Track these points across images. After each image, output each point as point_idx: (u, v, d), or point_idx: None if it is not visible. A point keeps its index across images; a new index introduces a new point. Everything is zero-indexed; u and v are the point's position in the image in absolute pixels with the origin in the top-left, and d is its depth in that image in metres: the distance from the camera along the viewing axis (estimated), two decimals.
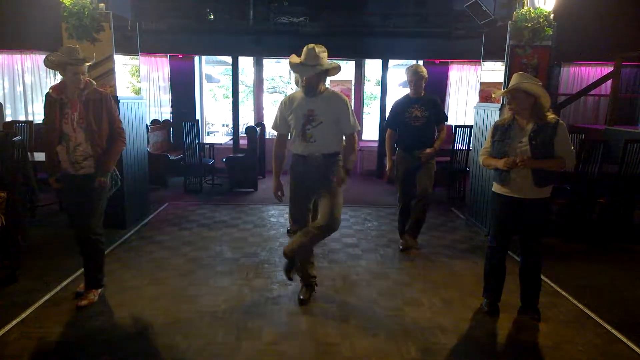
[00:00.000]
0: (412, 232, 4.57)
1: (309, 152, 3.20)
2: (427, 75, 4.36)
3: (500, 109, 4.91)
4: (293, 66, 3.16)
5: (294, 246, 3.22)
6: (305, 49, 3.06)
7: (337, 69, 3.16)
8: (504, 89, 5.16)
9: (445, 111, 4.51)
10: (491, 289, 3.38)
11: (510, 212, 3.16)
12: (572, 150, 3.05)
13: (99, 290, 3.48)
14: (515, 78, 3.02)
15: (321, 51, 3.05)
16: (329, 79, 3.40)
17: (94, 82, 3.29)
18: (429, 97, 4.46)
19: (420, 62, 8.82)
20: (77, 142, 3.20)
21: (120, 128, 3.38)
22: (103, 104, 3.25)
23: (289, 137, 3.36)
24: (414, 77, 4.30)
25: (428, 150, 4.33)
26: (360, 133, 9.18)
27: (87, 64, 3.23)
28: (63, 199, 3.63)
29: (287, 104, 3.24)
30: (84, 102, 3.19)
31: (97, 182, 3.25)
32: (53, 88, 3.23)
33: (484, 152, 3.26)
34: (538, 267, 3.20)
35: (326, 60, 3.10)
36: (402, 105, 4.44)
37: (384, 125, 4.51)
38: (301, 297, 3.46)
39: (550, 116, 3.01)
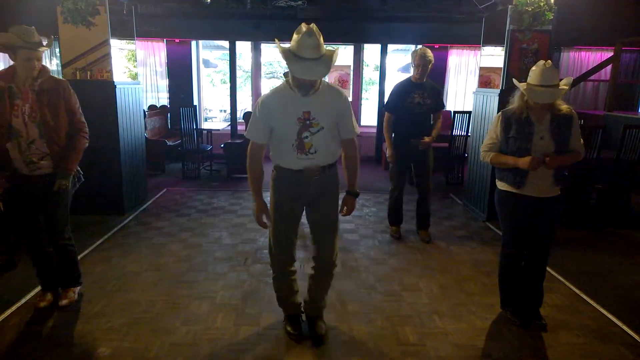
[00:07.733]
0: (424, 225, 4.61)
1: (306, 166, 2.54)
2: (433, 60, 4.23)
3: (500, 94, 4.86)
4: (294, 65, 2.28)
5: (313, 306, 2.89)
6: (303, 36, 2.25)
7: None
8: (503, 74, 5.12)
9: (445, 97, 4.45)
10: (514, 298, 3.09)
11: (528, 213, 2.86)
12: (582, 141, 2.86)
13: (78, 288, 3.23)
14: (538, 78, 2.65)
15: (320, 35, 2.30)
16: None
17: (49, 68, 2.87)
18: (432, 85, 4.35)
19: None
20: (30, 139, 2.75)
21: (81, 122, 2.95)
22: (60, 94, 2.83)
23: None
24: (422, 61, 4.12)
25: (426, 139, 4.25)
26: (358, 120, 9.13)
27: (44, 49, 2.79)
28: (10, 201, 2.93)
29: (273, 106, 2.50)
30: (38, 92, 2.76)
31: (57, 185, 2.83)
32: None
33: (491, 148, 2.90)
34: (545, 263, 3.02)
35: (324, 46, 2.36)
36: (404, 90, 4.30)
37: (383, 108, 4.41)
38: (289, 330, 2.87)
39: (564, 106, 2.76)
